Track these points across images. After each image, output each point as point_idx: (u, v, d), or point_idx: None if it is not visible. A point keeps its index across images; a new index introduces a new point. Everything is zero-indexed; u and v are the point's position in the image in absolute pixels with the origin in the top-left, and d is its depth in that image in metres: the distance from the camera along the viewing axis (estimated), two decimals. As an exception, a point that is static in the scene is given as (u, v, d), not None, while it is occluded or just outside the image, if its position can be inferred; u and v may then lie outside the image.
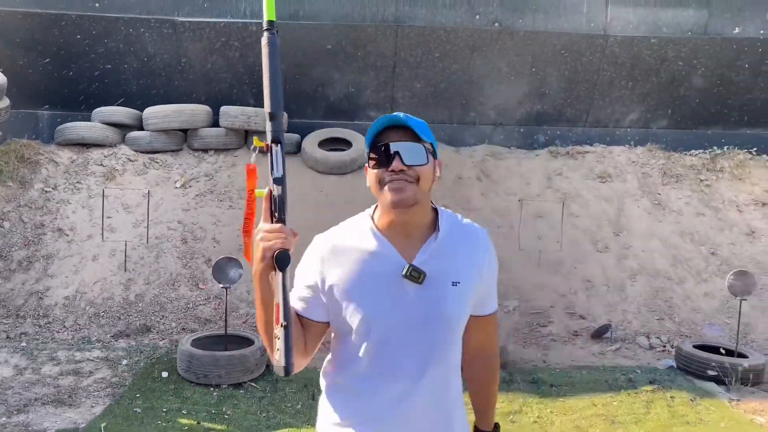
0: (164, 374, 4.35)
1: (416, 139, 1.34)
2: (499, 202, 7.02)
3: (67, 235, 6.07)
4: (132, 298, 5.57)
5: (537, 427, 3.75)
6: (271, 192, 1.23)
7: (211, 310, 5.53)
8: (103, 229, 5.98)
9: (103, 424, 3.55)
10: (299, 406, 4.00)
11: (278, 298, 1.19)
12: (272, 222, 1.22)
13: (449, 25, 7.29)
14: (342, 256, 1.37)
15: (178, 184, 6.68)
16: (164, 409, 3.83)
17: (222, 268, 4.52)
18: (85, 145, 6.95)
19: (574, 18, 7.33)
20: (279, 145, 1.24)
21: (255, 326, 5.37)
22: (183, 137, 7.13)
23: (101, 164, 6.79)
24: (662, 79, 7.63)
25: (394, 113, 1.35)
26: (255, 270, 1.24)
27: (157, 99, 7.16)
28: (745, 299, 4.72)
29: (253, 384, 4.30)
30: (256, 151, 1.28)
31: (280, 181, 1.25)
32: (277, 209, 1.24)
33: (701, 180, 7.18)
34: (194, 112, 7.03)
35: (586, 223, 6.72)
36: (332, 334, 1.44)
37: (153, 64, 7.25)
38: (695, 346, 4.83)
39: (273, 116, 1.24)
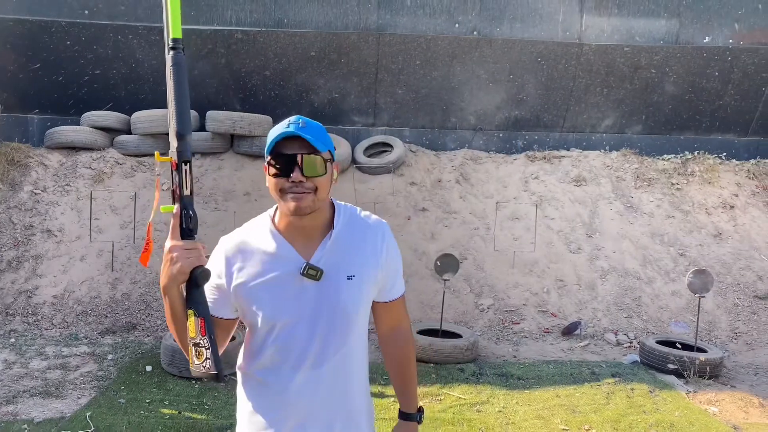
0: (148, 368, 4.53)
1: (315, 151, 1.40)
2: (477, 204, 7.25)
3: (56, 236, 6.24)
4: (119, 296, 5.75)
5: (501, 416, 3.96)
6: (180, 209, 1.33)
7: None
8: (91, 230, 6.16)
9: (88, 413, 3.74)
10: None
11: (202, 312, 1.31)
12: (182, 238, 1.32)
13: (429, 33, 7.52)
14: (246, 257, 1.46)
15: (165, 186, 6.86)
16: (147, 400, 4.02)
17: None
18: (74, 148, 7.13)
19: (550, 27, 7.58)
20: (188, 164, 1.33)
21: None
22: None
23: (90, 167, 6.97)
24: (636, 86, 7.89)
25: (294, 121, 1.42)
26: (167, 284, 1.33)
27: (145, 104, 7.35)
28: (703, 296, 4.96)
29: (232, 377, 4.47)
30: (159, 168, 1.46)
31: (190, 200, 1.34)
32: (191, 226, 1.33)
33: (672, 183, 7.44)
34: (181, 116, 7.21)
35: (561, 225, 6.95)
36: (246, 329, 1.54)
37: (141, 69, 7.44)
38: (658, 342, 5.06)
39: (181, 136, 1.32)
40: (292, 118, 1.43)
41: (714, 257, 6.60)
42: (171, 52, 1.34)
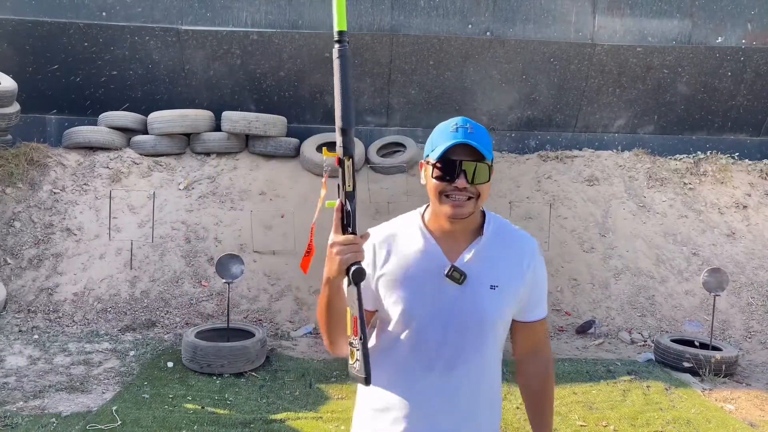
0: (170, 364, 4.61)
1: (481, 157, 1.41)
2: (490, 203, 7.26)
3: (75, 234, 6.33)
4: (138, 294, 5.83)
5: (519, 412, 4.01)
6: (342, 204, 1.30)
7: (214, 306, 5.79)
8: (110, 228, 6.25)
9: (114, 408, 3.81)
10: (297, 393, 4.26)
11: (355, 310, 1.28)
12: (343, 234, 1.30)
13: (443, 34, 7.57)
14: (392, 250, 1.47)
15: (181, 186, 6.95)
16: (170, 396, 4.09)
17: (225, 265, 4.78)
18: (91, 148, 7.22)
19: (563, 27, 7.62)
20: (351, 159, 1.30)
21: (255, 320, 5.63)
22: (186, 141, 7.40)
23: (107, 167, 7.06)
24: (648, 86, 7.92)
25: (462, 125, 1.42)
26: (327, 278, 1.32)
27: (161, 104, 7.43)
28: (718, 295, 4.99)
29: (253, 373, 4.56)
30: (329, 165, 1.33)
31: (351, 195, 1.31)
32: (350, 222, 1.30)
33: (685, 183, 7.46)
34: (197, 116, 7.31)
35: (574, 225, 6.99)
36: (376, 322, 1.53)
37: (157, 70, 7.53)
38: (672, 340, 5.10)
39: (344, 132, 1.30)
40: (459, 121, 1.44)
41: (727, 256, 6.62)
42: (336, 45, 1.33)
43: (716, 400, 4.37)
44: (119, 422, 3.64)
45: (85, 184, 6.84)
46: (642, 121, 8.14)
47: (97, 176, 6.94)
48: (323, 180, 1.42)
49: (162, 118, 7.19)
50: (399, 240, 1.48)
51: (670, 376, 4.73)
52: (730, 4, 7.66)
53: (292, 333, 5.54)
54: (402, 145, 7.84)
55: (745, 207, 7.18)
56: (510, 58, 7.74)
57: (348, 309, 1.31)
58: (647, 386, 4.49)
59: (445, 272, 1.42)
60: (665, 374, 4.77)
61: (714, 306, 5.05)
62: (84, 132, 7.17)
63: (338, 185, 1.32)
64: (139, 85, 7.60)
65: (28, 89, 7.17)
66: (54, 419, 3.68)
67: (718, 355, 4.76)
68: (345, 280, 1.31)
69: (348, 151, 1.30)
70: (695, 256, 6.64)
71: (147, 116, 7.30)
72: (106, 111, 7.35)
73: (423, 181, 1.48)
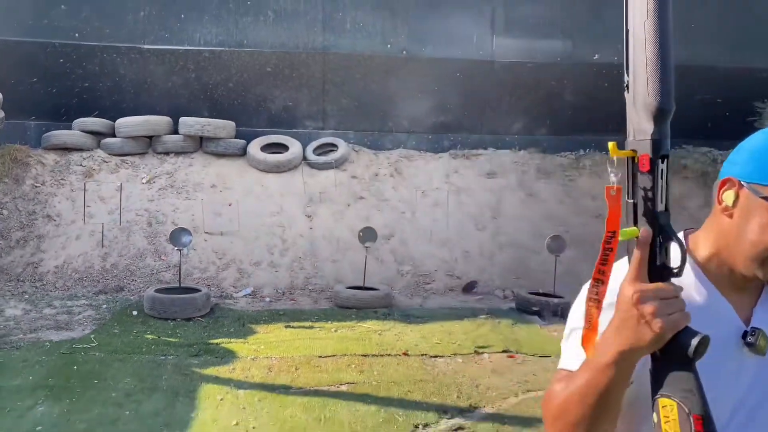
0: (134, 313, 5.95)
1: None
2: (406, 193, 8.75)
3: (55, 220, 7.60)
4: (108, 266, 7.14)
5: (396, 337, 5.46)
6: (654, 235, 0.90)
7: (171, 275, 7.12)
8: (84, 215, 7.54)
9: (92, 336, 5.15)
10: (232, 330, 5.64)
11: (696, 406, 0.86)
12: (654, 280, 0.90)
13: (367, 52, 9.05)
14: None
15: (144, 180, 8.26)
16: (135, 331, 5.44)
17: (177, 236, 6.15)
18: (67, 149, 8.48)
19: (467, 47, 9.16)
20: (667, 161, 0.90)
21: (205, 285, 6.96)
22: (148, 143, 8.71)
23: (81, 165, 8.33)
24: (539, 96, 9.50)
25: None
26: (625, 352, 0.89)
27: (127, 111, 8.72)
28: (558, 256, 6.52)
29: (200, 318, 5.92)
30: (614, 167, 0.91)
31: (666, 219, 0.91)
32: (669, 262, 0.91)
33: (567, 176, 9.04)
34: (158, 122, 8.62)
35: (472, 210, 8.50)
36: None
37: (123, 82, 8.84)
38: (529, 293, 6.61)
39: (663, 115, 0.90)
40: None
41: (593, 232, 8.17)
42: None
43: (549, 331, 5.88)
44: (96, 344, 4.98)
45: (62, 179, 8.11)
46: (536, 125, 9.71)
47: (72, 172, 8.21)
48: (613, 190, 0.91)
49: (128, 123, 8.50)
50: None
51: (521, 317, 6.24)
52: (603, 28, 9.28)
53: (234, 294, 6.92)
54: (335, 145, 9.26)
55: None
56: (424, 73, 9.25)
57: (667, 401, 0.89)
58: (498, 322, 5.99)
59: (747, 339, 1.03)
60: (517, 315, 6.28)
61: (556, 264, 6.58)
62: (60, 135, 8.43)
63: (634, 204, 0.91)
64: (108, 95, 8.90)
65: (11, 98, 8.39)
66: (47, 343, 5.01)
67: (557, 301, 6.28)
68: (651, 356, 0.92)
69: (664, 148, 0.90)
70: (568, 234, 8.19)
71: (115, 122, 8.59)
72: (80, 117, 8.61)
73: (724, 205, 1.04)
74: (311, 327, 5.75)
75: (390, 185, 8.85)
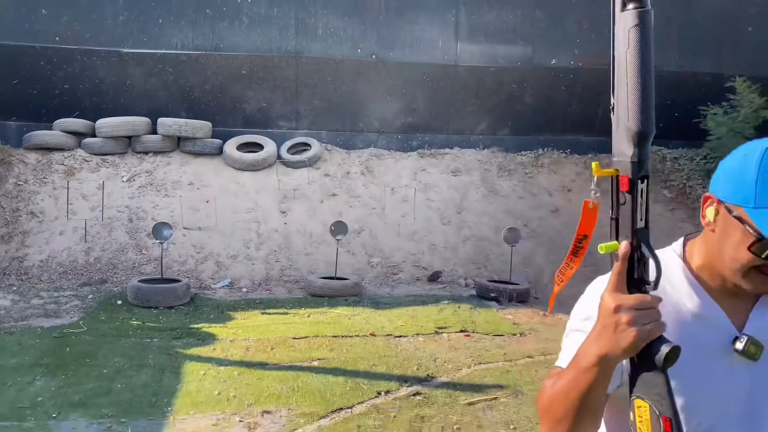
0: (119, 302, 6.34)
1: None
2: (377, 190, 9.24)
3: (38, 216, 7.92)
4: (92, 260, 7.49)
5: (364, 321, 5.94)
6: (632, 248, 0.95)
7: (151, 268, 7.50)
8: (67, 212, 7.88)
9: (81, 322, 5.54)
10: (212, 316, 6.07)
11: (665, 409, 0.91)
12: (632, 291, 0.95)
13: (338, 56, 9.51)
14: None
15: (125, 179, 8.62)
16: (120, 317, 5.83)
17: (158, 230, 6.56)
18: (48, 149, 8.78)
19: (432, 52, 9.67)
20: (646, 181, 0.94)
21: (185, 277, 7.36)
22: (128, 142, 9.05)
23: (62, 164, 8.65)
24: (502, 98, 10.06)
25: None
26: (606, 356, 0.94)
27: (107, 112, 9.05)
28: (514, 246, 7.07)
29: (181, 307, 6.33)
30: (596, 186, 0.99)
31: (644, 235, 0.95)
32: (645, 275, 0.96)
33: (526, 173, 9.62)
34: (137, 122, 8.97)
35: (438, 205, 9.02)
36: (606, 410, 1.09)
37: (103, 84, 9.17)
38: (489, 281, 7.15)
39: (643, 139, 0.93)
40: None
41: (549, 226, 8.78)
42: (630, 5, 0.93)
43: (504, 314, 6.42)
44: (85, 329, 5.37)
45: (44, 177, 8.42)
46: (499, 125, 10.28)
47: (54, 171, 8.53)
48: (591, 204, 1.03)
49: (108, 124, 8.83)
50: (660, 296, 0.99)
51: (480, 302, 6.77)
52: (561, 34, 9.90)
53: (213, 285, 7.33)
54: (308, 144, 9.70)
55: (569, 190, 9.39)
56: (392, 76, 9.74)
57: (640, 401, 0.94)
58: (458, 306, 6.51)
59: (738, 347, 1.04)
60: (477, 301, 6.81)
61: (512, 253, 7.13)
62: (42, 135, 8.73)
63: (615, 219, 0.98)
64: (88, 97, 9.22)
65: (-7, 100, 8.69)
66: (39, 329, 5.38)
67: (512, 287, 6.83)
68: (627, 362, 0.97)
69: (644, 169, 0.94)
70: (526, 227, 8.77)
71: (95, 122, 8.91)
72: (60, 118, 8.92)
73: (707, 220, 1.08)
74: (286, 313, 6.21)
75: (361, 183, 9.33)
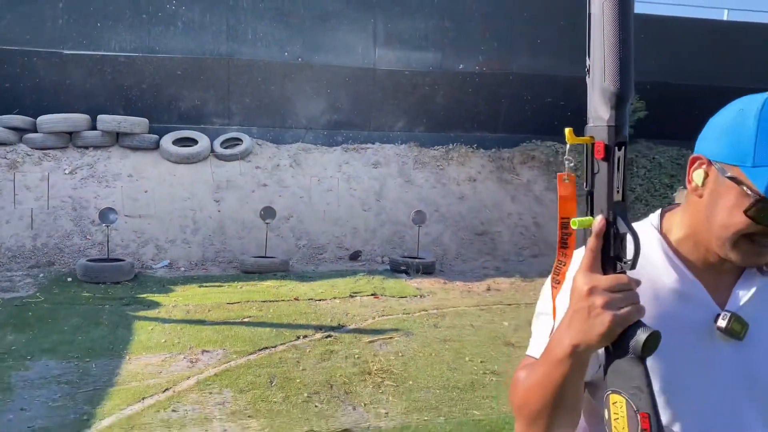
0: (69, 279, 7.08)
1: None
2: (304, 181, 10.22)
3: (-16, 206, 8.49)
4: (39, 245, 8.15)
5: (289, 290, 6.93)
6: (607, 223, 0.87)
7: (96, 252, 8.22)
8: (14, 202, 8.48)
9: (37, 294, 6.29)
10: (155, 289, 6.91)
11: (643, 404, 0.83)
12: (607, 271, 0.87)
13: (266, 59, 10.42)
14: None
15: (67, 171, 9.26)
16: (72, 291, 6.60)
17: (105, 214, 7.33)
18: (-10, 143, 9.31)
19: (353, 56, 10.73)
20: (624, 148, 0.86)
21: (125, 256, 8.12)
22: (69, 138, 9.67)
23: (5, 158, 9.20)
24: (416, 99, 11.23)
25: None
26: (577, 346, 0.86)
27: (48, 110, 9.63)
28: (420, 226, 8.23)
29: (127, 282, 7.14)
30: (570, 155, 0.89)
31: (623, 210, 0.87)
32: (622, 253, 0.87)
33: (438, 165, 10.83)
34: (77, 119, 9.61)
35: (360, 194, 10.10)
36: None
37: (43, 84, 9.75)
38: (401, 257, 8.27)
39: (621, 102, 0.85)
40: None
41: (456, 212, 10.01)
42: None
43: (411, 282, 7.55)
44: (42, 299, 6.14)
45: (-12, 170, 8.96)
46: (414, 123, 11.45)
47: (-3, 164, 9.08)
48: (566, 177, 0.91)
49: (49, 120, 9.43)
50: (635, 273, 0.89)
51: (392, 274, 7.89)
52: (467, 42, 11.15)
53: (153, 266, 8.14)
54: (240, 139, 10.57)
55: (474, 180, 10.66)
56: (317, 78, 10.74)
57: (616, 397, 0.85)
58: (372, 277, 7.59)
59: (720, 324, 0.96)
60: (389, 273, 7.92)
61: (419, 232, 8.27)
62: (-16, 131, 9.25)
63: (589, 192, 0.88)
64: (28, 95, 9.77)
65: (-66, 97, 9.14)
66: (0, 300, 6.11)
67: (417, 261, 7.98)
68: (603, 351, 0.88)
69: (621, 135, 0.86)
70: (436, 212, 9.96)
71: (36, 119, 9.49)
72: (2, 115, 9.45)
73: (694, 184, 0.98)
74: (221, 286, 7.13)
75: (290, 174, 10.29)
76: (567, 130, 0.88)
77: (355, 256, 8.87)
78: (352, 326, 5.64)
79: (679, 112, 10.67)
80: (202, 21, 10.18)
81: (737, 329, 0.95)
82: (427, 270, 8.04)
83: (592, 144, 0.86)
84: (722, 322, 0.95)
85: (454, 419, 3.76)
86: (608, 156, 0.85)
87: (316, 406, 3.94)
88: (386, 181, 10.40)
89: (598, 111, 0.87)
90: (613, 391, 0.85)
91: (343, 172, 10.48)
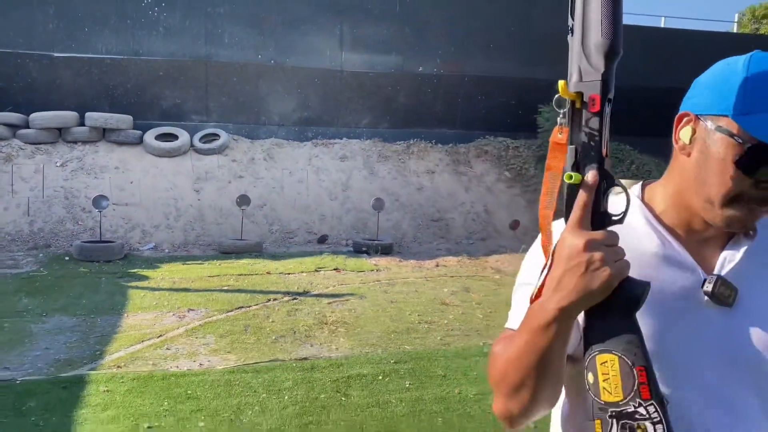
0: (66, 258, 7.99)
1: None
2: (277, 173, 11.21)
3: (-17, 195, 9.33)
4: (35, 230, 9.03)
5: (263, 266, 7.93)
6: (599, 179, 0.85)
7: (87, 236, 9.13)
8: (11, 192, 9.33)
9: (41, 269, 7.21)
10: (143, 266, 7.86)
11: (638, 358, 0.81)
12: (596, 227, 0.85)
13: (242, 61, 11.38)
14: None
15: (59, 164, 10.12)
16: (71, 267, 7.53)
17: (98, 201, 8.26)
18: (-14, 138, 10.13)
19: (322, 59, 11.74)
20: (610, 105, 0.85)
21: (115, 239, 9.04)
22: (59, 134, 10.52)
23: (1, 152, 10.03)
24: (380, 99, 12.27)
25: None
26: (573, 303, 0.83)
27: (39, 107, 10.47)
28: (380, 212, 9.29)
29: (118, 261, 8.08)
30: (564, 109, 0.86)
31: (609, 164, 0.86)
32: (609, 208, 0.87)
33: (400, 159, 11.89)
34: (67, 116, 10.46)
35: (328, 185, 11.11)
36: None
37: (35, 83, 10.58)
38: (363, 239, 9.31)
39: (611, 55, 0.84)
40: None
41: (414, 201, 11.09)
42: None
43: (370, 261, 8.59)
44: (46, 273, 7.06)
45: (-15, 163, 9.79)
46: (378, 121, 12.49)
47: (-7, 157, 9.91)
48: (560, 132, 0.86)
49: (41, 117, 10.27)
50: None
51: (354, 254, 8.93)
52: (426, 46, 12.22)
53: (140, 248, 9.08)
54: (217, 135, 11.50)
55: (433, 173, 11.74)
56: (289, 79, 11.73)
57: (606, 356, 0.83)
58: (336, 257, 8.63)
59: (707, 289, 0.93)
60: (351, 254, 8.96)
61: (378, 218, 9.32)
62: (-19, 127, 10.06)
63: (575, 149, 0.86)
64: (21, 94, 10.59)
65: (-66, 96, 9.93)
66: (8, 274, 7.01)
67: (376, 242, 9.03)
68: (583, 317, 0.87)
69: (610, 90, 0.85)
70: (397, 201, 11.02)
71: (29, 116, 10.32)
72: (-4, 112, 10.27)
73: (681, 143, 0.95)
74: (202, 264, 8.11)
75: (264, 167, 11.26)
76: (561, 83, 0.85)
77: (322, 240, 9.89)
78: (316, 292, 6.68)
79: (619, 112, 11.87)
80: (183, 26, 11.09)
81: (725, 294, 0.91)
82: (386, 251, 9.10)
83: (575, 101, 0.85)
84: (708, 286, 0.91)
85: (389, 351, 4.83)
86: (602, 109, 0.83)
87: (281, 346, 4.97)
88: (352, 173, 11.43)
89: (592, 65, 0.84)
90: (602, 351, 0.83)
91: (313, 164, 11.48)
